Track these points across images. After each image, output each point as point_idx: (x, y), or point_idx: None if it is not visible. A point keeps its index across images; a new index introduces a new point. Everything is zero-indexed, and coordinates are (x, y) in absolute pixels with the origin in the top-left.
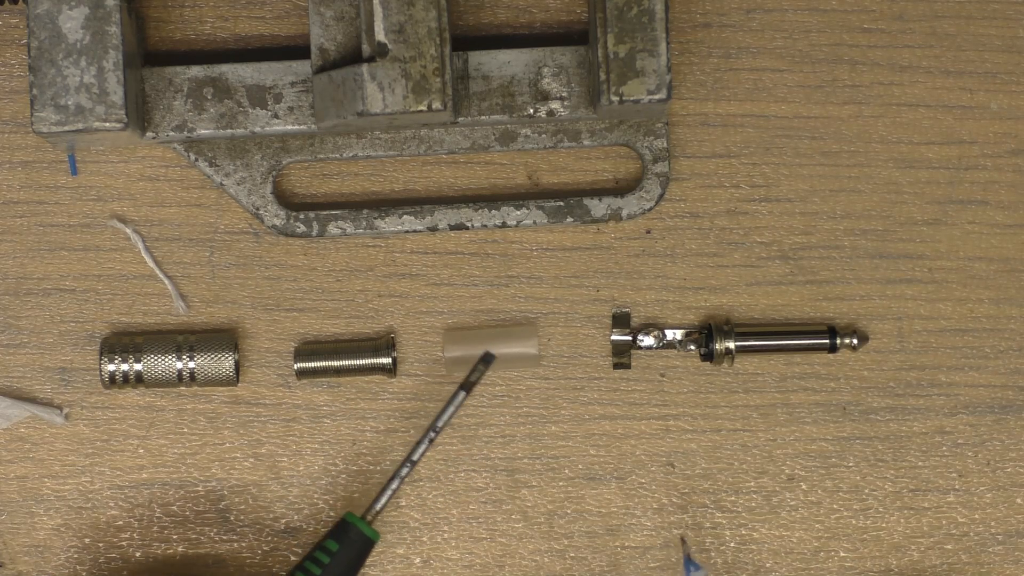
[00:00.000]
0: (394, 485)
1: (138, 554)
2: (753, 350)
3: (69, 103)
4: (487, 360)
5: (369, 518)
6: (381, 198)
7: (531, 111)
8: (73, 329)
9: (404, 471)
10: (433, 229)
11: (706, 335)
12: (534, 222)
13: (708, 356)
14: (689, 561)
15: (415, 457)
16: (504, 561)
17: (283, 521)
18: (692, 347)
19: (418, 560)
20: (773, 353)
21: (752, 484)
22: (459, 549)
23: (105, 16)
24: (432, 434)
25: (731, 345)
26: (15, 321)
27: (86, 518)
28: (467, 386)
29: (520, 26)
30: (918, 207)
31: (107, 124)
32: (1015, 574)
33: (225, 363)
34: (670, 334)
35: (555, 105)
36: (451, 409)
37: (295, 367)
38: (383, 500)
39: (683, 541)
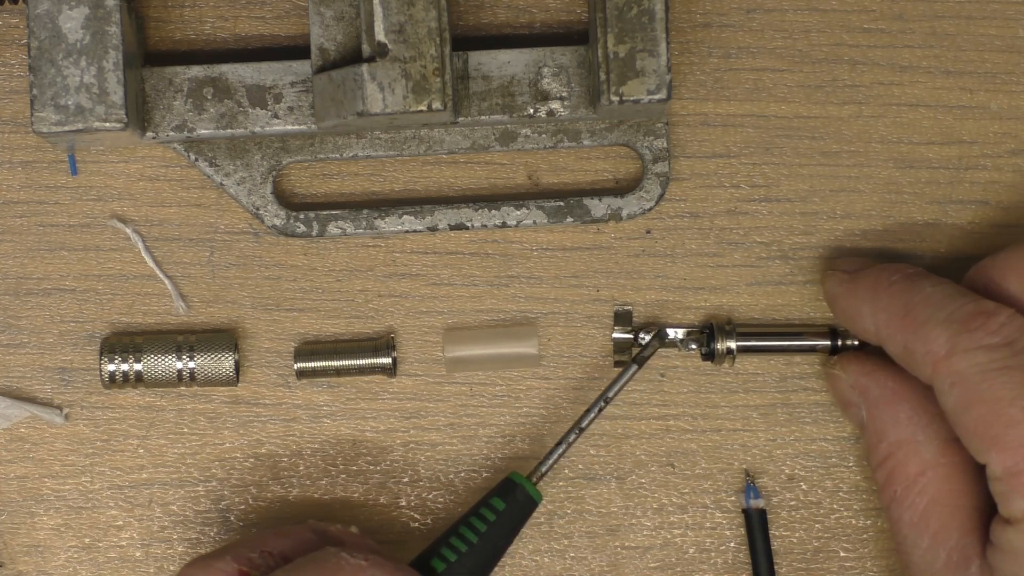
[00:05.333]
0: (560, 450)
1: (138, 554)
2: (754, 350)
3: (69, 103)
4: (661, 336)
5: (535, 480)
6: (381, 198)
7: (531, 111)
8: (73, 329)
9: (572, 437)
10: (433, 229)
11: (707, 334)
12: (534, 222)
13: (709, 355)
14: (751, 487)
15: (583, 424)
16: (504, 561)
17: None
18: (693, 346)
19: None
20: (774, 354)
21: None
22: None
23: (105, 16)
24: (603, 403)
25: (732, 345)
26: (15, 321)
27: (86, 518)
28: (639, 360)
29: (520, 26)
30: (918, 207)
31: (107, 124)
32: None
33: (225, 363)
34: (671, 333)
35: (555, 105)
36: (622, 381)
37: (295, 367)
38: (549, 463)
39: (747, 473)
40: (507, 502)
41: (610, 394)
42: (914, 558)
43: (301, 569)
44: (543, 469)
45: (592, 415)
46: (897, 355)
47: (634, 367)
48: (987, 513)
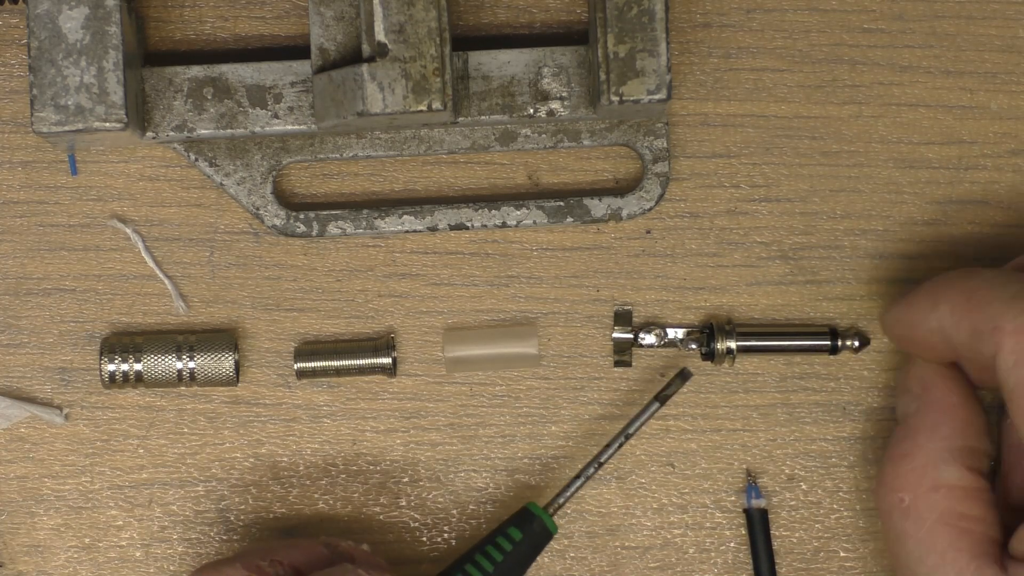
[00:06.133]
0: (578, 483)
1: (138, 554)
2: (754, 350)
3: (69, 103)
4: (684, 376)
5: (551, 511)
6: (381, 198)
7: (531, 111)
8: (73, 329)
9: (591, 471)
10: (433, 229)
11: (707, 334)
12: (534, 222)
13: (709, 355)
14: (752, 487)
15: (603, 459)
16: None
17: (283, 521)
18: (693, 346)
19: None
20: (774, 354)
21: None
22: (459, 549)
23: (105, 16)
24: (623, 439)
25: (732, 345)
26: (15, 321)
27: (86, 518)
28: (661, 398)
29: (520, 26)
30: (918, 207)
31: (107, 124)
32: None
33: (225, 363)
34: (671, 332)
35: (555, 105)
36: (644, 417)
37: (295, 367)
38: (567, 495)
39: (748, 472)
40: (524, 533)
41: (631, 430)
42: (915, 571)
43: None
44: (560, 501)
45: (612, 450)
46: (963, 344)
47: (656, 404)
48: (1001, 543)
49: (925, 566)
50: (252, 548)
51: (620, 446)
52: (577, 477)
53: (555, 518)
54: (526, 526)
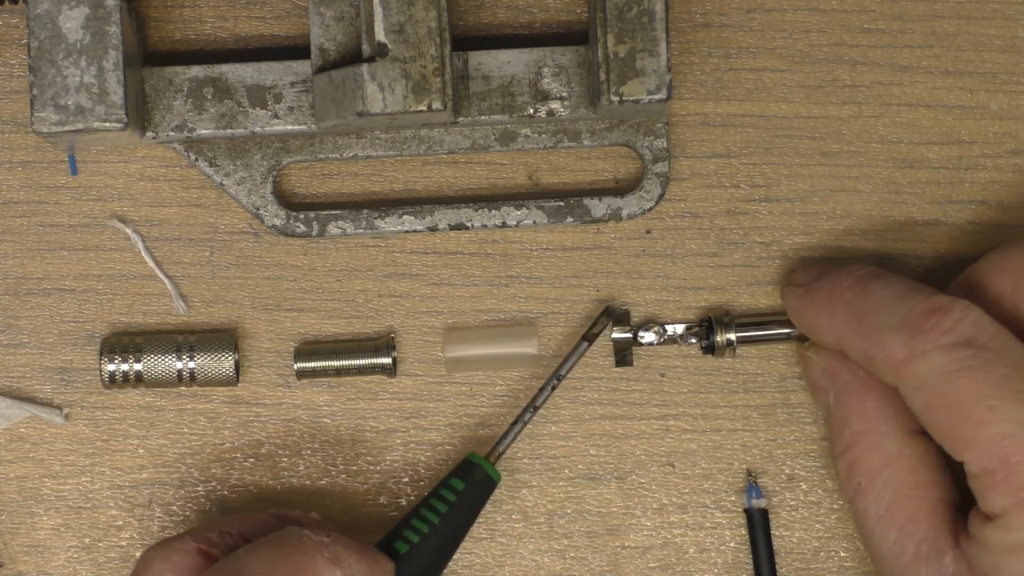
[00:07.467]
0: (517, 429)
1: (138, 554)
2: (754, 340)
3: (69, 103)
4: (610, 313)
5: (492, 459)
6: (381, 198)
7: (531, 111)
8: (73, 329)
9: (527, 416)
10: (433, 229)
11: (706, 328)
12: (534, 222)
13: (710, 349)
14: (753, 487)
15: (538, 403)
16: (504, 561)
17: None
18: (693, 340)
19: None
20: (774, 343)
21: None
22: (459, 549)
23: (105, 16)
24: (555, 381)
25: (732, 336)
26: (15, 321)
27: (86, 518)
28: (589, 338)
29: (520, 26)
30: (918, 207)
31: (107, 124)
32: None
33: (225, 363)
34: (671, 329)
35: (555, 105)
36: (574, 359)
37: (295, 367)
38: (506, 442)
39: (749, 472)
40: (466, 482)
41: (562, 372)
42: (882, 550)
43: (263, 547)
44: (500, 448)
45: (546, 394)
46: (860, 362)
47: (584, 344)
48: (956, 505)
49: (888, 541)
50: (201, 524)
51: (553, 388)
52: (515, 423)
53: (496, 466)
54: (468, 475)
